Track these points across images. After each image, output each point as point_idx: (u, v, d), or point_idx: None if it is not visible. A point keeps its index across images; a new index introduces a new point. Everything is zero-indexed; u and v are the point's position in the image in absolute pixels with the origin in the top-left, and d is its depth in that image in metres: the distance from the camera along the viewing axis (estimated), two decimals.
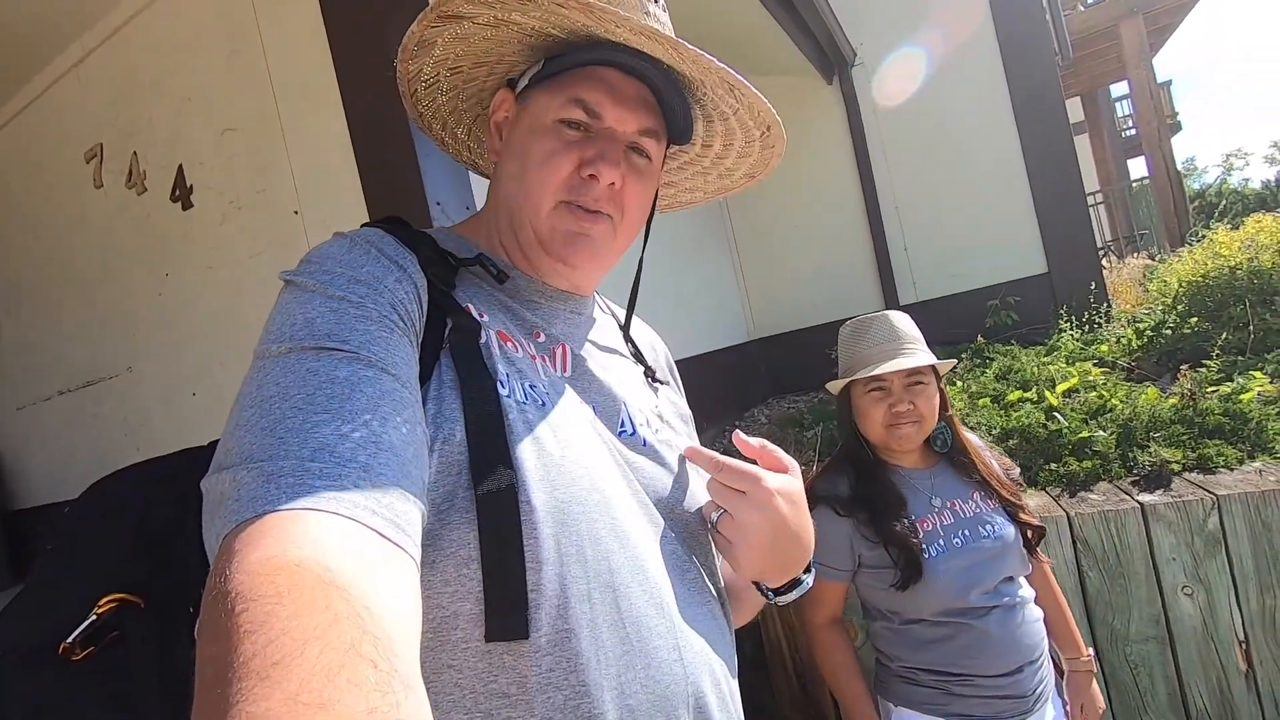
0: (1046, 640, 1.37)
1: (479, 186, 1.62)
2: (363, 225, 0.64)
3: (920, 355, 1.37)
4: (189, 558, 0.57)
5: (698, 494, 0.70)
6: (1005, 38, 4.54)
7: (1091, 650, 1.48)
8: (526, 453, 0.55)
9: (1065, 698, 1.43)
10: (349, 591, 0.36)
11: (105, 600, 0.56)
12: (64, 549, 0.63)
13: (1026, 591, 1.38)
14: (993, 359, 3.50)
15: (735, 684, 0.68)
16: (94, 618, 0.55)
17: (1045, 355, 3.48)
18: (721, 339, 4.68)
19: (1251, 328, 2.95)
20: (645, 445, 0.68)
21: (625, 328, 0.84)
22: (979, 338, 4.02)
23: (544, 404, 0.60)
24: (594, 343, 0.75)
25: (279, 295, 0.57)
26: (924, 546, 1.31)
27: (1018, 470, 1.55)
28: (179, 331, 2.78)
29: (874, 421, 1.39)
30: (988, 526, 1.36)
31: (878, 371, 1.35)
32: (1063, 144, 4.50)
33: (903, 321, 1.44)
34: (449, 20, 0.66)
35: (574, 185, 0.67)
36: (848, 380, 1.43)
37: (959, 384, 3.20)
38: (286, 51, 2.31)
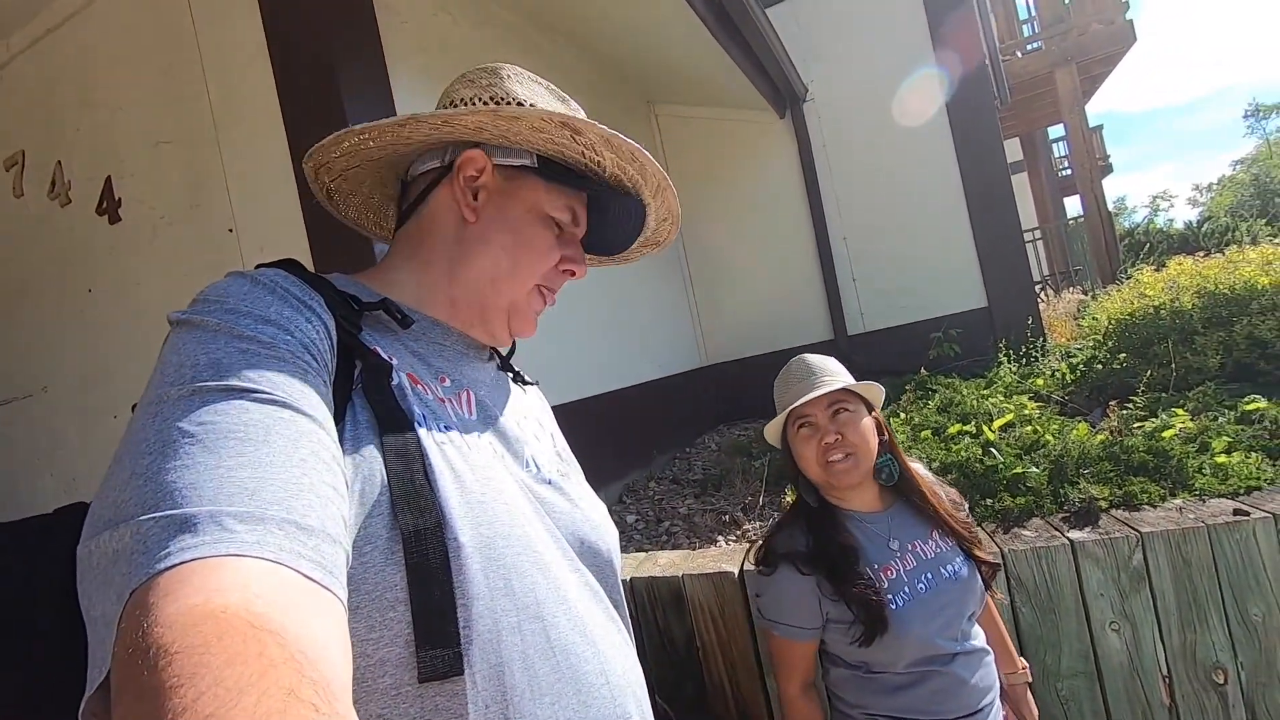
0: (998, 682, 1.37)
1: None
2: (257, 266, 0.63)
3: (836, 382, 1.35)
4: (41, 637, 0.52)
5: (601, 526, 0.74)
6: (948, 80, 4.74)
7: (1024, 660, 1.50)
8: (449, 490, 0.56)
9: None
10: (282, 636, 0.35)
11: None
12: None
13: (980, 631, 1.37)
14: (935, 391, 3.58)
15: (649, 704, 0.71)
16: None
17: (985, 388, 3.58)
18: (674, 365, 4.69)
19: (1174, 366, 3.09)
20: (551, 483, 0.71)
21: (505, 360, 0.87)
22: (922, 369, 4.12)
23: (459, 444, 0.61)
24: (494, 388, 0.77)
25: (169, 337, 0.53)
26: (890, 596, 1.26)
27: (966, 507, 1.54)
28: (101, 351, 2.63)
29: (810, 461, 1.36)
30: (949, 567, 1.32)
31: (796, 405, 1.33)
32: (1001, 184, 4.70)
33: (819, 359, 1.42)
34: (567, 130, 0.70)
35: (550, 275, 0.77)
36: (781, 426, 1.41)
37: (902, 415, 3.26)
38: (226, 66, 2.24)
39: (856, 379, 1.41)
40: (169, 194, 2.40)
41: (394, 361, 0.63)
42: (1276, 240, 3.88)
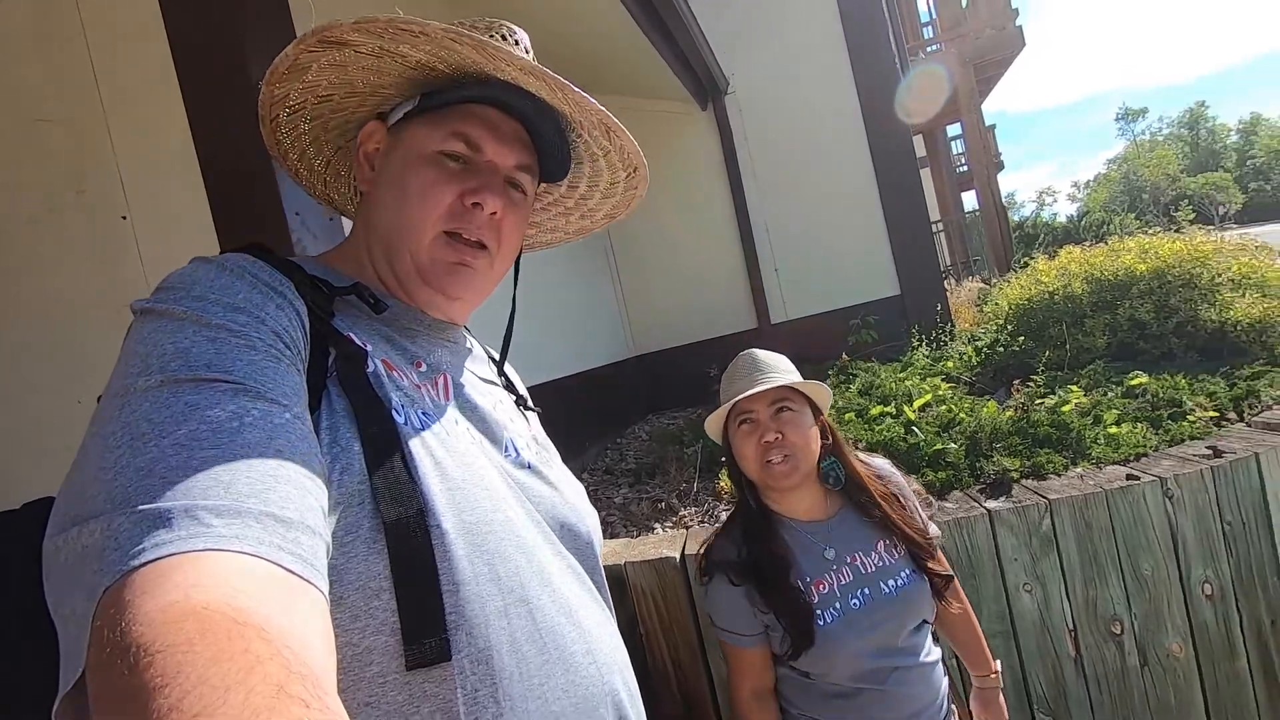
0: (947, 685, 1.33)
1: None
2: (224, 252, 0.60)
3: (781, 379, 1.30)
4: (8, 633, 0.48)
5: (580, 509, 0.74)
6: (861, 79, 4.93)
7: (998, 664, 1.46)
8: (430, 478, 0.55)
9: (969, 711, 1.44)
10: (265, 631, 0.34)
11: None
12: None
13: (930, 642, 1.31)
14: (856, 375, 3.74)
15: (634, 680, 0.72)
16: None
17: (901, 371, 3.76)
18: (602, 356, 4.68)
19: (1067, 346, 3.35)
20: (530, 467, 0.71)
21: (501, 362, 0.86)
22: (844, 355, 4.29)
23: (438, 430, 0.60)
24: (471, 372, 0.75)
25: (133, 327, 0.51)
26: (819, 611, 1.21)
27: (933, 503, 1.49)
28: None
29: (749, 459, 1.30)
30: (890, 582, 1.25)
31: (739, 399, 1.28)
32: (911, 178, 4.94)
33: (768, 354, 1.37)
34: (330, 46, 0.64)
35: (456, 214, 0.68)
36: (723, 420, 1.36)
37: None
38: (114, 39, 2.05)
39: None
40: (51, 178, 2.18)
41: (368, 348, 0.61)
42: (1149, 231, 4.26)
